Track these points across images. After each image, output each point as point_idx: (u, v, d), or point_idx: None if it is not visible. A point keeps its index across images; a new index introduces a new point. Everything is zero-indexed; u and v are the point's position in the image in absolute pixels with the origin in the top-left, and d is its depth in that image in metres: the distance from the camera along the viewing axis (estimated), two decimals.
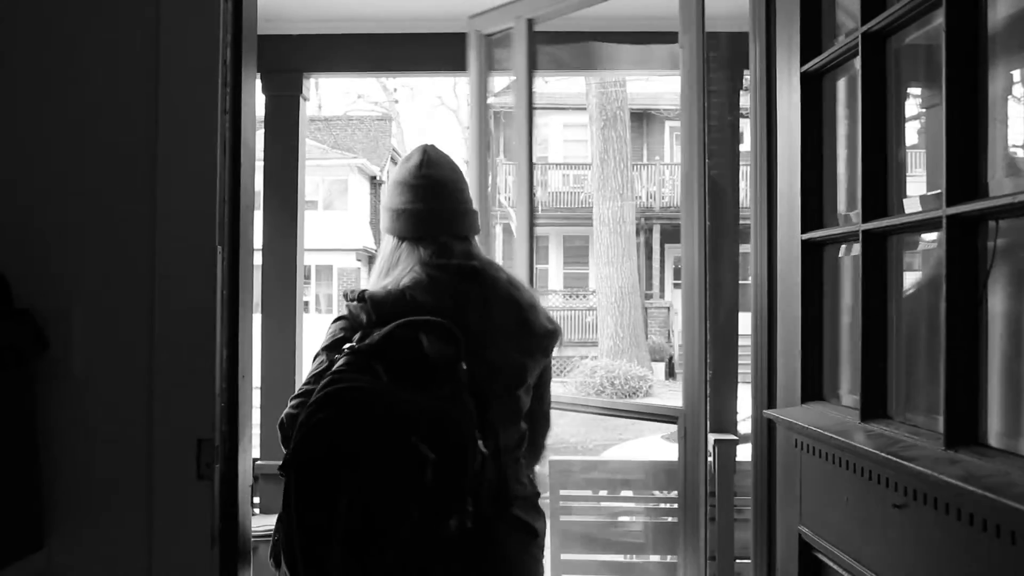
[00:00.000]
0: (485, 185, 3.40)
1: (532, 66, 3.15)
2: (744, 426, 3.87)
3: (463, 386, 1.81)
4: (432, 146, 2.17)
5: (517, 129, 3.28)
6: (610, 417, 10.28)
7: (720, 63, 4.33)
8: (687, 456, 2.83)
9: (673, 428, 2.93)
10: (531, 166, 3.39)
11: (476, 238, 2.14)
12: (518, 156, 3.37)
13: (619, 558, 4.76)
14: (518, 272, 3.14)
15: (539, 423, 2.16)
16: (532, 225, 3.36)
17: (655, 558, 4.64)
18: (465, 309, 1.94)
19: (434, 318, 1.85)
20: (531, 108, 3.26)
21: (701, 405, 2.77)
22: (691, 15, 2.73)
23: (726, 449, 4.37)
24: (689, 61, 2.73)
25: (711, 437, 4.44)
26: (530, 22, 2.99)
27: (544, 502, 2.18)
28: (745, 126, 3.35)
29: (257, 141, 2.43)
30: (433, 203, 2.07)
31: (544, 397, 2.17)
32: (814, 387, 2.33)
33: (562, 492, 4.68)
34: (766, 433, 2.67)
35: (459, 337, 1.83)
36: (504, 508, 1.97)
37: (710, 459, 4.38)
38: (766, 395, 2.67)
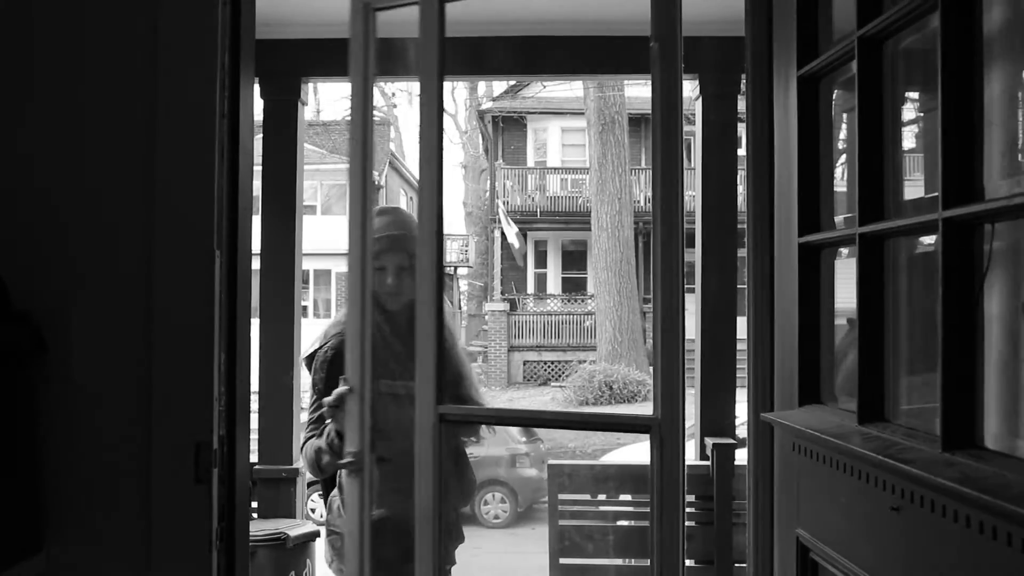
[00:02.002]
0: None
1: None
2: (743, 430, 3.87)
3: None
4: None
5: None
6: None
7: (713, 67, 4.35)
8: (663, 465, 2.63)
9: None
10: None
11: None
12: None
13: (618, 562, 4.76)
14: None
15: None
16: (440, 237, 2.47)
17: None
18: None
19: None
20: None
21: (679, 412, 2.50)
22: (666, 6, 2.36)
23: (724, 453, 4.37)
24: (664, 57, 2.33)
25: (708, 441, 4.44)
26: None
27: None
28: (742, 130, 3.35)
29: (255, 146, 2.43)
30: None
31: None
32: (811, 390, 2.34)
33: (561, 496, 4.69)
34: (764, 437, 2.68)
35: None
36: None
37: (707, 463, 4.41)
38: (764, 399, 2.68)
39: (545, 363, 20.89)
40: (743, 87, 4.06)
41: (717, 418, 4.51)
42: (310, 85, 4.92)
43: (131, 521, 2.08)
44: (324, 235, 23.57)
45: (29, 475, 2.01)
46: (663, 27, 2.35)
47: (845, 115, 2.32)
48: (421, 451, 2.39)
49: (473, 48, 4.48)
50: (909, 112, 2.14)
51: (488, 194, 24.84)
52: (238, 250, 2.20)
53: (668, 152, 2.39)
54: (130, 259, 2.10)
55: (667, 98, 2.26)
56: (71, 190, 2.11)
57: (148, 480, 2.07)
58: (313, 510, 10.11)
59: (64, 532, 2.08)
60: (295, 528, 4.22)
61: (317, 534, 4.33)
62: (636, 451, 9.61)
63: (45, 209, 2.11)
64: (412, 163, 33.35)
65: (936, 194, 1.68)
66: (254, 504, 4.40)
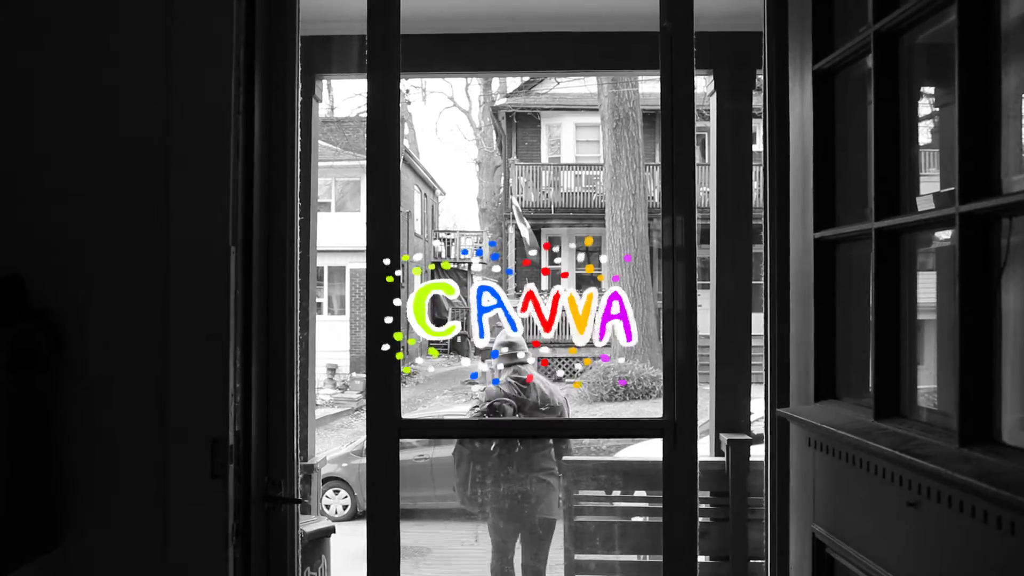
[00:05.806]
0: None
1: None
2: (757, 426, 3.86)
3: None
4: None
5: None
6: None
7: (727, 62, 4.34)
8: (676, 466, 2.70)
9: None
10: None
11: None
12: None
13: (633, 558, 4.76)
14: None
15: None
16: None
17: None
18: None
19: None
20: None
21: (692, 412, 2.65)
22: None
23: (739, 449, 4.36)
24: (675, 41, 2.61)
25: (723, 437, 4.44)
26: None
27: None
28: (757, 126, 3.34)
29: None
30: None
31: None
32: (828, 386, 2.33)
33: (575, 492, 4.69)
34: (779, 432, 2.67)
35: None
36: None
37: (722, 459, 4.40)
38: (779, 394, 2.67)
39: (559, 359, 20.87)
40: (757, 82, 4.05)
41: (732, 414, 4.50)
42: (324, 82, 4.93)
43: (147, 516, 2.09)
44: (338, 232, 23.65)
45: (46, 472, 2.03)
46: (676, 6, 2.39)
47: (861, 109, 2.30)
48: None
49: (483, 44, 4.48)
50: (925, 107, 2.13)
51: (502, 191, 24.84)
52: (253, 246, 2.21)
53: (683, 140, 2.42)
54: (146, 257, 2.11)
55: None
56: (86, 189, 2.12)
57: (164, 476, 2.08)
58: (328, 506, 10.14)
59: (81, 528, 2.09)
60: (310, 524, 4.24)
61: (332, 530, 4.34)
62: (651, 447, 9.60)
63: (61, 208, 2.12)
64: (426, 160, 33.39)
65: (952, 189, 1.67)
66: None
